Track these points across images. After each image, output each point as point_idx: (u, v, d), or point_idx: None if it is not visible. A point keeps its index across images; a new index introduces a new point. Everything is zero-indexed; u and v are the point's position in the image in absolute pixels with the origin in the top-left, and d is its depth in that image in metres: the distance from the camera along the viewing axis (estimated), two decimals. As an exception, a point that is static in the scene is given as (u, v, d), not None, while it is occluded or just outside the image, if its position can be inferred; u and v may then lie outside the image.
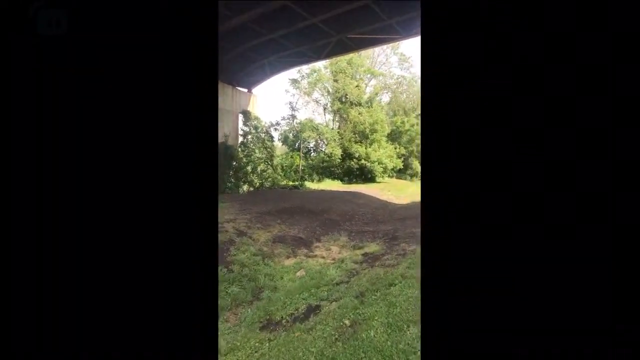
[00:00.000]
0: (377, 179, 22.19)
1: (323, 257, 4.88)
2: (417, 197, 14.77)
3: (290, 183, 15.66)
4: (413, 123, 28.15)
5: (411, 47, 39.49)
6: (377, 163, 21.93)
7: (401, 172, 27.30)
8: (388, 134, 27.21)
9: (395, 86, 31.07)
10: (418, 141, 27.82)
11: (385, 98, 31.10)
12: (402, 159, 26.30)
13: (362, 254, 4.94)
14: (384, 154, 22.87)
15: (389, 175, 23.96)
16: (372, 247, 5.13)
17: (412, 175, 27.99)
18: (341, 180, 21.05)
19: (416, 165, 28.05)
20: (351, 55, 23.15)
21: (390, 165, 22.58)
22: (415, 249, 4.59)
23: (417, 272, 3.35)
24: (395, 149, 25.60)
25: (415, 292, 2.81)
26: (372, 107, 24.13)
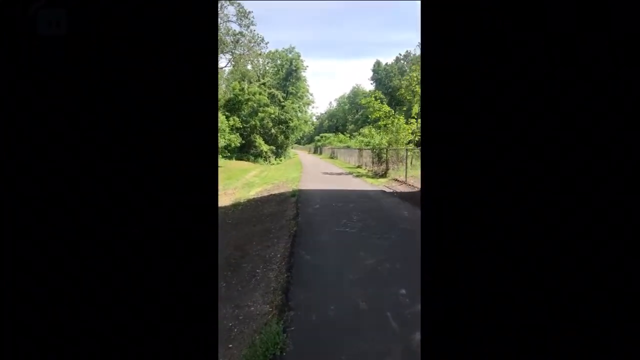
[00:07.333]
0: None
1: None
2: (253, 189, 9.77)
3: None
4: (255, 91, 23.18)
5: (251, 3, 34.45)
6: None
7: (243, 152, 21.98)
8: (224, 104, 21.26)
9: (232, 45, 25.16)
10: (262, 114, 23.09)
11: (222, 62, 24.86)
12: (243, 135, 20.98)
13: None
14: (212, 127, 16.65)
15: (223, 156, 18.05)
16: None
17: (256, 156, 23.01)
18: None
19: (260, 143, 23.15)
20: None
21: (221, 143, 16.60)
22: None
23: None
24: (229, 121, 19.78)
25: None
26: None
